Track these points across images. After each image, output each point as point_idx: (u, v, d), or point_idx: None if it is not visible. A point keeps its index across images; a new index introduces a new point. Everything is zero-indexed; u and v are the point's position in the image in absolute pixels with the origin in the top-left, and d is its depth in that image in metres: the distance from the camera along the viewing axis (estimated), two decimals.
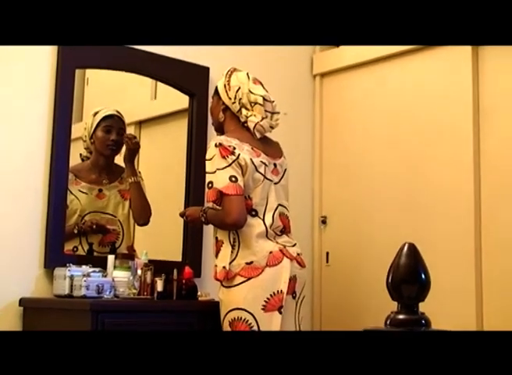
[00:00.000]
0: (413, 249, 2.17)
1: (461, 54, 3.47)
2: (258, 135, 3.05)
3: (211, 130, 3.60)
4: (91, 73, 3.47)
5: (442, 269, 3.27)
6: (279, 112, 3.11)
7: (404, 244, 2.20)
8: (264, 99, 3.03)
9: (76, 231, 3.28)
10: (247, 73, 3.11)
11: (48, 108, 3.20)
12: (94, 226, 3.33)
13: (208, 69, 3.69)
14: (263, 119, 3.03)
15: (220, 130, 3.15)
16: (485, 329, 3.30)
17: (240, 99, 3.05)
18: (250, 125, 3.03)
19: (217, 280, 2.98)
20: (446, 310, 3.18)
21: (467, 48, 3.45)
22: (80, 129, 3.39)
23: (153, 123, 3.76)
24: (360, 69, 3.94)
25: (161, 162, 3.75)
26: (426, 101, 3.63)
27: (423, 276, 2.14)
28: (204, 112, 3.63)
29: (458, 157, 3.46)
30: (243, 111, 3.05)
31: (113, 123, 3.42)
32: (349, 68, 3.99)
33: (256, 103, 3.03)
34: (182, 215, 3.19)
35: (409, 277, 2.14)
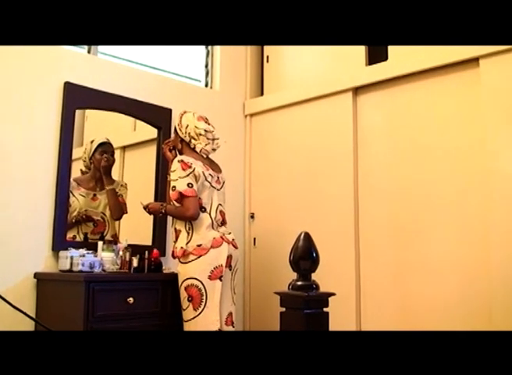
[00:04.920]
0: (307, 235, 2.17)
1: (345, 100, 3.52)
2: (204, 156, 3.08)
3: None
4: (89, 112, 3.40)
5: (329, 249, 3.33)
6: (218, 138, 3.13)
7: (301, 232, 2.20)
8: (206, 131, 3.07)
9: (74, 221, 3.21)
10: (193, 113, 3.13)
11: (55, 137, 3.14)
12: (84, 216, 3.26)
13: (170, 110, 3.66)
14: (206, 145, 3.06)
15: (180, 153, 3.15)
16: (361, 292, 3.34)
17: (189, 133, 3.08)
18: (197, 150, 3.06)
19: (175, 257, 2.98)
20: (332, 278, 3.21)
21: (349, 96, 3.50)
22: (80, 152, 3.33)
23: (133, 147, 3.70)
24: (278, 111, 3.95)
25: (139, 175, 3.70)
26: (321, 133, 3.66)
27: (314, 254, 2.14)
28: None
29: (343, 173, 3.49)
30: (192, 141, 3.08)
31: (106, 148, 3.37)
32: (270, 110, 4.00)
33: (200, 134, 3.06)
34: (145, 207, 3.13)
35: (304, 255, 2.13)
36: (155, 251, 3.16)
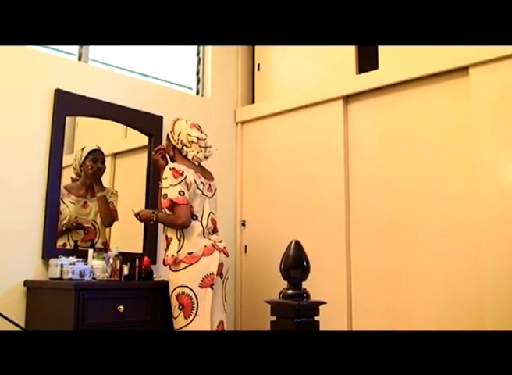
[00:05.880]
0: (298, 244, 2.16)
1: (336, 108, 3.53)
2: (196, 163, 3.07)
3: None
4: (80, 119, 3.38)
5: (320, 257, 3.33)
6: (210, 146, 3.11)
7: (292, 241, 2.19)
8: (198, 138, 3.06)
9: (64, 228, 3.18)
10: (186, 121, 3.12)
11: (46, 144, 3.13)
12: (74, 224, 3.24)
13: (161, 117, 3.66)
14: (198, 152, 3.05)
15: (172, 161, 3.14)
16: (352, 300, 3.33)
17: (181, 140, 3.07)
18: (189, 157, 3.05)
19: (166, 265, 2.96)
20: (323, 286, 3.21)
21: (340, 104, 3.51)
22: (71, 159, 3.30)
23: (124, 154, 3.69)
24: (269, 118, 3.96)
25: (130, 182, 3.68)
26: (312, 141, 3.67)
27: (304, 263, 2.13)
28: None
29: (333, 181, 3.50)
30: (184, 148, 3.07)
31: (97, 156, 3.36)
32: (261, 118, 4.01)
33: (192, 142, 3.05)
34: (136, 214, 3.10)
35: (295, 263, 2.11)
36: (146, 258, 3.15)
